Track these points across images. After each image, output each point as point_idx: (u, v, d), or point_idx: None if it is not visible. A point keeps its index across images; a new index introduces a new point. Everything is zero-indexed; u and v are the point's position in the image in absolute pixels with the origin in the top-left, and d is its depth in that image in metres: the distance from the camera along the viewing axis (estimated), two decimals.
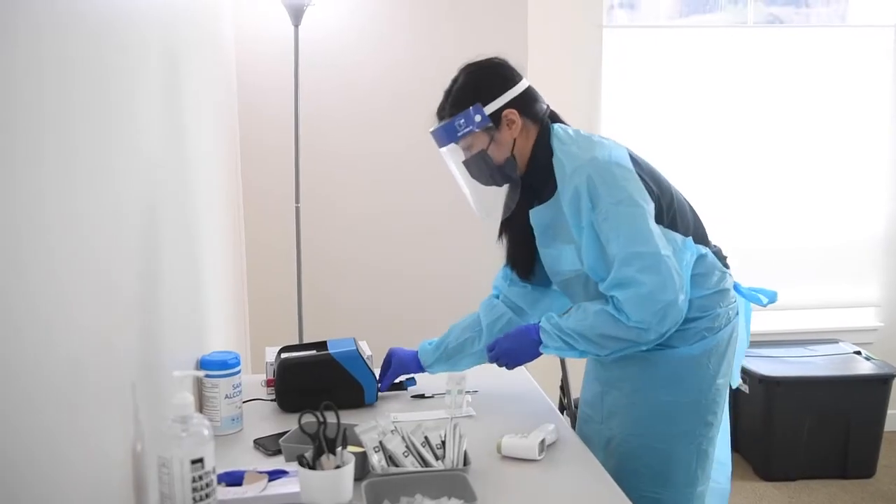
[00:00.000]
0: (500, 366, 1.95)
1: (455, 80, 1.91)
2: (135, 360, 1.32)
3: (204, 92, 2.30)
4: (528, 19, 3.45)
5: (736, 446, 3.84)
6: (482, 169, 1.88)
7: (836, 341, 3.88)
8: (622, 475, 1.73)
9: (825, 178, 3.92)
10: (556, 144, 1.84)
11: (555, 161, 1.82)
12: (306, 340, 3.15)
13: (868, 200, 3.98)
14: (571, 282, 1.90)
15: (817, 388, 3.52)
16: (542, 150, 1.85)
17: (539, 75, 3.51)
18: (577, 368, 2.41)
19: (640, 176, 1.78)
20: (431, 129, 1.91)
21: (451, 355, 2.08)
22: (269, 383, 2.08)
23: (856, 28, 3.90)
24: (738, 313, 1.93)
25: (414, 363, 2.10)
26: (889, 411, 3.60)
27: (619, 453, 1.86)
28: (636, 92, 3.78)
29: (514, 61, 1.91)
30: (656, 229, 1.75)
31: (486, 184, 1.91)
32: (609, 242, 1.74)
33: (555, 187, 1.82)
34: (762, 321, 4.00)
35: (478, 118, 1.82)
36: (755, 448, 3.67)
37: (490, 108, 1.82)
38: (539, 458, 1.69)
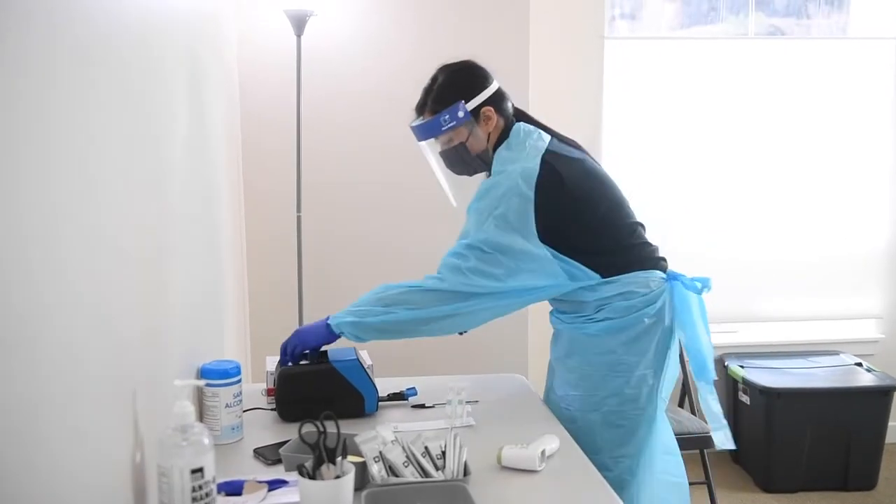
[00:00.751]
0: (288, 356, 2.03)
1: (435, 79, 2.13)
2: (135, 369, 1.32)
3: (208, 101, 2.31)
4: (531, 31, 3.46)
5: (736, 458, 3.84)
6: (460, 160, 2.11)
7: (837, 353, 3.87)
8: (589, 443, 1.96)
9: (827, 189, 3.93)
10: (511, 141, 2.06)
11: (496, 156, 2.06)
12: None
13: (870, 212, 3.98)
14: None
15: (818, 400, 3.52)
16: (499, 142, 2.09)
17: (541, 86, 3.54)
18: None
19: (536, 203, 1.95)
20: (413, 124, 2.12)
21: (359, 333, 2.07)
22: (269, 392, 2.07)
23: (857, 40, 3.91)
24: (657, 310, 2.02)
25: (324, 335, 2.04)
26: (890, 423, 3.59)
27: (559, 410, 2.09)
28: (638, 103, 3.79)
29: (486, 65, 2.15)
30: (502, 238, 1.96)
31: (462, 173, 2.16)
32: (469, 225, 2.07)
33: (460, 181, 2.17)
34: (764, 333, 4.01)
35: (461, 114, 2.05)
36: (756, 459, 3.67)
37: (471, 105, 2.06)
38: (539, 468, 1.69)
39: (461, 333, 2.14)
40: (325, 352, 2.07)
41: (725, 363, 3.81)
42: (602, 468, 1.83)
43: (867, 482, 3.59)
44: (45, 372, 0.91)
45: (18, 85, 0.85)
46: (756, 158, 3.88)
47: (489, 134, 2.07)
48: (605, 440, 2.01)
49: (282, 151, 3.28)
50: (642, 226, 2.11)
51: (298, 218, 3.24)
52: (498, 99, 2.10)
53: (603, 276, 1.98)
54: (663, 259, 2.11)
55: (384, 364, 2.36)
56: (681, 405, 3.34)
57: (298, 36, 3.09)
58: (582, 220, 1.99)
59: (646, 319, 1.99)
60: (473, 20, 3.43)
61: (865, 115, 3.90)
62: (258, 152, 3.36)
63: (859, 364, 3.74)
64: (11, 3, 0.84)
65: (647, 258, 2.06)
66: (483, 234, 1.97)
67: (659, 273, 2.05)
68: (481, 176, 2.15)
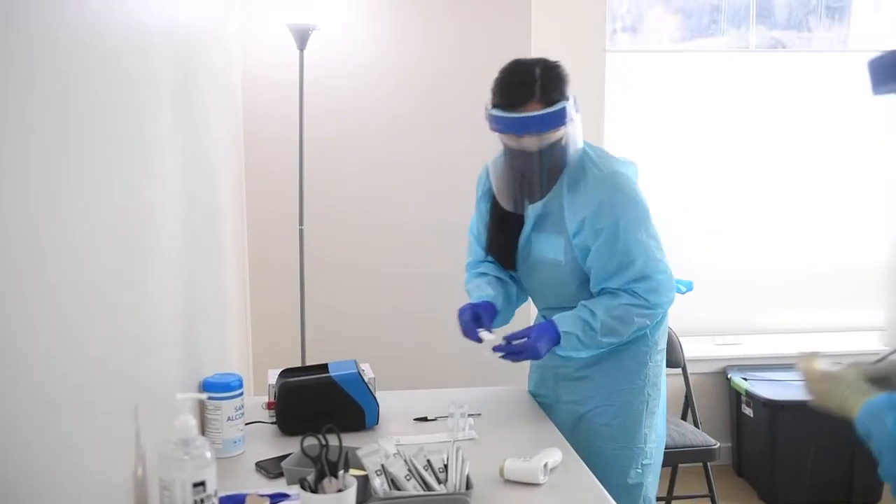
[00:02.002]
0: (508, 357, 2.03)
1: (531, 72, 1.97)
2: (137, 383, 1.32)
3: (211, 114, 2.32)
4: (532, 44, 3.48)
5: (739, 470, 3.83)
6: (551, 158, 1.99)
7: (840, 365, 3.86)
8: (594, 439, 2.05)
9: (829, 201, 3.93)
10: (585, 149, 2.04)
11: (577, 164, 2.01)
12: (309, 363, 3.15)
13: (872, 224, 3.98)
14: (547, 268, 2.09)
15: (822, 412, 3.50)
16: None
17: None
18: None
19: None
20: (532, 113, 1.93)
21: (508, 301, 2.22)
22: (269, 406, 2.07)
23: (857, 53, 3.91)
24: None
25: (487, 308, 2.13)
26: None
27: (592, 418, 2.11)
28: (639, 115, 3.80)
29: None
30: (656, 235, 2.04)
31: (542, 173, 2.02)
32: (627, 248, 1.98)
33: (554, 181, 2.02)
34: (767, 345, 4.00)
35: (576, 108, 1.98)
36: (759, 472, 3.65)
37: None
38: (542, 481, 1.68)
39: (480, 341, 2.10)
40: (326, 365, 2.07)
41: (728, 375, 3.80)
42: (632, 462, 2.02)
43: (872, 495, 3.57)
44: (46, 386, 0.91)
45: (21, 98, 0.86)
46: (758, 170, 3.89)
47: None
48: (626, 432, 2.10)
49: (284, 165, 3.29)
50: None
51: (301, 231, 3.24)
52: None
53: None
54: None
55: (386, 377, 2.35)
56: (683, 418, 3.33)
57: (301, 50, 3.11)
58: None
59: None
60: (475, 34, 3.45)
61: (866, 127, 3.90)
62: (261, 166, 3.37)
63: None
64: (11, 19, 0.85)
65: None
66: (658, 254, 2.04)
67: None
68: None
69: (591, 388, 2.12)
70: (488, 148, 3.40)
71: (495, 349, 2.02)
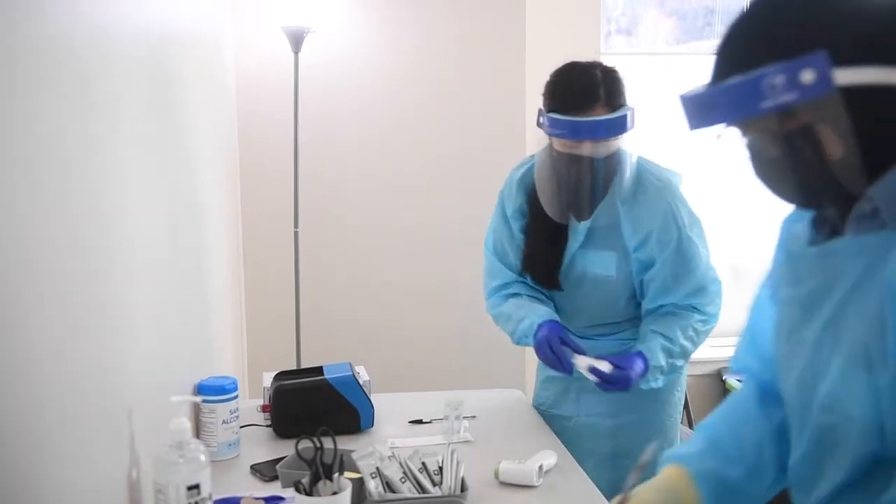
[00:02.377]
0: (603, 386, 1.90)
1: (592, 74, 1.93)
2: (131, 386, 1.32)
3: (204, 117, 2.32)
4: (527, 46, 3.48)
5: None
6: (609, 168, 1.94)
7: None
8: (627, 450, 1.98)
9: None
10: (640, 159, 2.00)
11: (634, 175, 1.97)
12: (304, 365, 3.15)
13: None
14: (595, 285, 2.01)
15: None
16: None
17: (538, 102, 3.54)
18: None
19: None
20: (606, 116, 1.87)
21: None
22: (264, 409, 2.07)
23: None
24: None
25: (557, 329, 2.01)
26: None
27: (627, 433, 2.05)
28: (634, 118, 3.80)
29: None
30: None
31: (600, 183, 1.96)
32: (689, 259, 1.98)
33: (605, 192, 1.95)
34: None
35: (633, 119, 1.93)
36: None
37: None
38: (537, 484, 1.68)
39: None
40: (321, 367, 2.07)
41: (724, 377, 3.80)
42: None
43: None
44: (40, 390, 0.91)
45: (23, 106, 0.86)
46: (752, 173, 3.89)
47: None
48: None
49: (279, 167, 3.29)
50: None
51: (296, 233, 3.24)
52: None
53: None
54: None
55: (381, 380, 2.35)
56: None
57: (296, 53, 3.11)
58: None
59: None
60: (470, 36, 3.45)
61: None
62: (256, 168, 3.37)
63: None
64: (14, 25, 0.85)
65: None
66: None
67: None
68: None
69: (619, 399, 2.00)
70: (483, 149, 3.41)
71: (592, 371, 1.87)
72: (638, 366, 1.91)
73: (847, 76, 0.90)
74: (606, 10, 3.79)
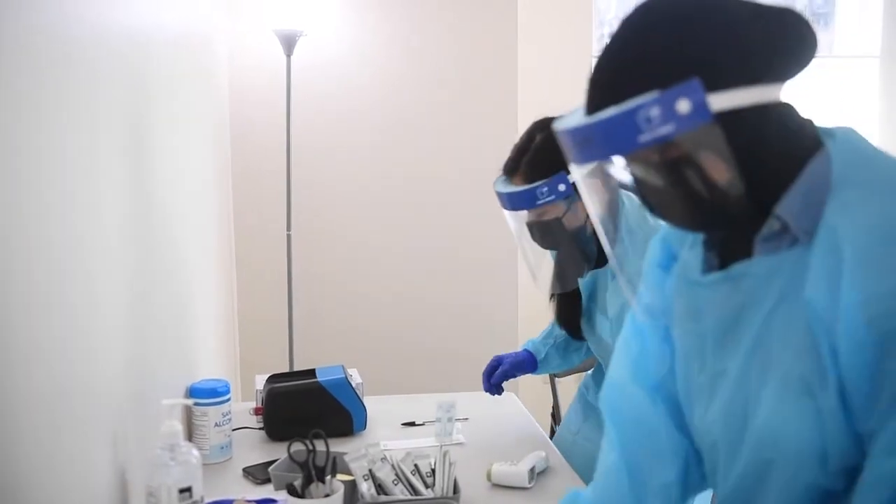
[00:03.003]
0: None
1: (531, 138, 1.79)
2: (122, 388, 1.32)
3: (196, 119, 2.32)
4: (519, 49, 3.49)
5: None
6: (550, 234, 1.79)
7: None
8: None
9: None
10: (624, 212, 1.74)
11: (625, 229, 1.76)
12: (297, 368, 3.14)
13: None
14: (602, 346, 1.93)
15: None
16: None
17: (530, 106, 3.55)
18: (567, 397, 2.41)
19: None
20: (503, 189, 1.77)
21: (562, 347, 2.10)
22: (257, 411, 2.07)
23: (842, 59, 3.95)
24: None
25: (527, 361, 2.08)
26: None
27: None
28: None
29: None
30: None
31: (549, 247, 1.85)
32: None
33: (590, 261, 1.82)
34: None
35: (562, 188, 1.70)
36: None
37: (574, 177, 1.71)
38: (529, 485, 1.68)
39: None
40: (313, 370, 2.07)
41: None
42: None
43: None
44: (31, 394, 0.91)
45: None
46: None
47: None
48: None
49: (272, 170, 3.29)
50: None
51: (288, 236, 3.24)
52: None
53: None
54: None
55: (374, 382, 2.35)
56: None
57: (288, 56, 3.11)
58: None
59: None
60: (463, 40, 3.46)
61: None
62: (248, 171, 3.37)
63: None
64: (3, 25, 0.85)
65: None
66: None
67: None
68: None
69: None
70: (476, 152, 3.42)
71: None
72: None
73: (724, 101, 0.88)
74: (599, 13, 3.80)
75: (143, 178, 1.54)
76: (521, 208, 1.76)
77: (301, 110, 3.28)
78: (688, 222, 1.01)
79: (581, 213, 1.77)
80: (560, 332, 2.10)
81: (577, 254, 1.82)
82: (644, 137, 0.89)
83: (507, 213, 1.82)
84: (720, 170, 0.92)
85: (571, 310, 1.98)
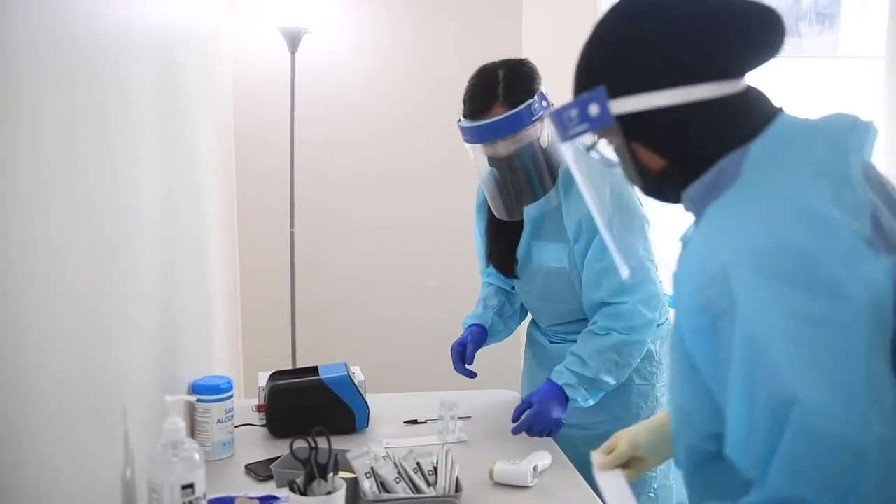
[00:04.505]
0: (532, 435, 1.93)
1: (494, 75, 1.91)
2: (126, 385, 1.32)
3: (201, 117, 2.32)
4: (523, 47, 3.48)
5: None
6: (526, 162, 1.91)
7: None
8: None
9: None
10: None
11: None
12: (300, 365, 3.14)
13: None
14: (551, 278, 2.02)
15: None
16: (555, 149, 1.94)
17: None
18: None
19: None
20: (488, 120, 1.86)
21: (499, 312, 2.20)
22: (259, 408, 2.07)
23: (847, 59, 3.94)
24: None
25: (481, 334, 2.16)
26: None
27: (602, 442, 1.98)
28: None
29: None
30: (649, 243, 1.98)
31: (522, 179, 1.94)
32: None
33: (550, 184, 1.94)
34: None
35: (545, 104, 1.89)
36: None
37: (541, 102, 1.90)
38: (531, 484, 1.68)
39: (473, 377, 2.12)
40: (316, 367, 2.07)
41: None
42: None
43: None
44: (34, 389, 0.91)
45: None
46: None
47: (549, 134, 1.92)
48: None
49: (275, 168, 3.29)
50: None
51: (292, 234, 3.24)
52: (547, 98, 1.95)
53: None
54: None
55: (376, 380, 2.35)
56: None
57: (293, 53, 3.11)
58: None
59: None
60: (466, 38, 3.45)
61: None
62: (252, 168, 3.37)
63: None
64: (26, 28, 0.85)
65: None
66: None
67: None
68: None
69: (602, 411, 2.01)
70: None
71: (514, 432, 1.94)
72: (551, 394, 1.90)
73: (623, 105, 1.05)
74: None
75: (147, 176, 1.54)
76: (514, 131, 1.86)
77: (305, 108, 3.28)
78: (657, 197, 1.16)
79: (546, 137, 1.91)
80: (494, 302, 2.20)
81: (541, 179, 1.94)
82: (570, 132, 1.10)
83: (475, 152, 1.94)
84: (651, 158, 1.08)
85: (507, 246, 2.07)
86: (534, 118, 1.86)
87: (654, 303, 1.96)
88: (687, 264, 1.03)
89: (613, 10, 1.09)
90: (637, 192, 1.62)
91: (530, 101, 1.86)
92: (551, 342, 2.15)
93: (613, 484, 1.30)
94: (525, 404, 1.95)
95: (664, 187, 1.11)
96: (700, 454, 1.07)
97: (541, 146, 1.91)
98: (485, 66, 1.95)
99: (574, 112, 1.08)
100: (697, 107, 1.03)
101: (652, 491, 2.03)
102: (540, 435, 1.92)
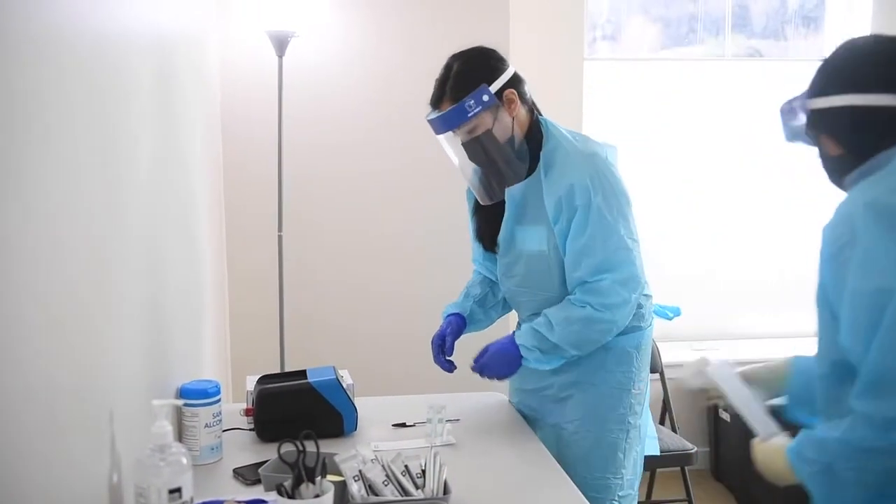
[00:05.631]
0: (484, 376, 2.04)
1: (449, 68, 2.00)
2: (113, 389, 1.32)
3: (189, 119, 2.31)
4: (511, 51, 3.49)
5: (717, 475, 3.85)
6: (486, 150, 1.96)
7: None
8: (572, 462, 1.95)
9: (802, 208, 3.97)
10: (553, 132, 1.99)
11: (553, 147, 1.97)
12: (288, 369, 3.14)
13: None
14: (532, 262, 2.03)
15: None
16: (536, 133, 1.99)
17: None
18: None
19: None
20: (432, 116, 1.97)
21: (480, 301, 2.24)
22: (247, 412, 2.06)
23: None
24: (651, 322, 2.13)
25: (460, 323, 2.20)
26: None
27: (571, 443, 2.03)
28: (617, 123, 3.83)
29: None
30: (632, 224, 1.98)
31: (488, 166, 2.00)
32: (596, 231, 1.91)
33: (533, 167, 1.98)
34: (742, 350, 4.03)
35: (485, 98, 1.92)
36: (737, 476, 3.68)
37: (494, 88, 1.94)
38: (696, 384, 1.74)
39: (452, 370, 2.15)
40: (304, 371, 2.07)
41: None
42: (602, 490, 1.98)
43: None
44: (21, 393, 0.91)
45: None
46: (736, 177, 3.93)
47: (514, 119, 1.97)
48: (604, 461, 2.03)
49: (263, 171, 3.29)
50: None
51: (280, 237, 3.24)
52: (517, 82, 2.01)
53: None
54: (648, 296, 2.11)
55: (365, 383, 2.35)
56: (661, 423, 3.35)
57: (280, 57, 3.11)
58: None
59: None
60: (454, 42, 3.44)
61: None
62: (240, 172, 3.36)
63: None
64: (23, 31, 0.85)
65: (644, 314, 2.08)
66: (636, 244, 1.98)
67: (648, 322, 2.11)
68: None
69: (574, 409, 2.04)
70: None
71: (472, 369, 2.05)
72: (505, 348, 2.00)
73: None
74: (591, 17, 3.81)
75: (135, 179, 1.54)
76: (457, 125, 1.94)
77: (293, 111, 3.28)
78: None
79: (508, 123, 1.96)
80: (477, 291, 2.24)
81: (509, 164, 1.98)
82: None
83: (445, 142, 2.02)
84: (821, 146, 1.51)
85: (493, 224, 2.10)
86: (469, 114, 1.91)
87: (633, 284, 1.95)
88: (831, 218, 1.34)
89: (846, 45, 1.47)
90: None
91: (469, 95, 1.91)
92: None
93: (730, 380, 1.63)
94: (482, 351, 2.05)
95: (835, 171, 1.45)
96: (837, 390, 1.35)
97: (509, 132, 1.95)
98: (451, 56, 2.04)
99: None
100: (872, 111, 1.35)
101: (616, 499, 2.04)
102: (491, 379, 2.05)
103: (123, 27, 1.49)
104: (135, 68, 1.58)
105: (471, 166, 2.03)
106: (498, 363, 2.02)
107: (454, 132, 1.97)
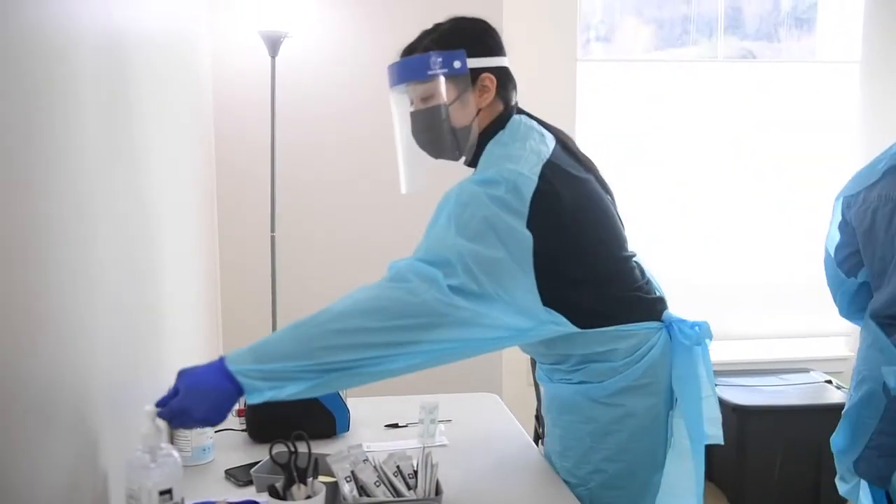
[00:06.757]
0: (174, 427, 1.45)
1: (440, 24, 1.75)
2: (104, 390, 1.32)
3: (179, 120, 2.31)
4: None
5: (709, 475, 3.85)
6: (433, 126, 1.69)
7: (807, 370, 3.92)
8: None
9: (795, 209, 3.99)
10: (499, 135, 1.68)
11: (486, 150, 1.67)
12: None
13: None
14: None
15: (790, 417, 3.55)
16: (490, 132, 1.69)
17: None
18: None
19: (529, 217, 1.54)
20: (393, 63, 1.73)
21: None
22: (239, 413, 2.06)
23: (824, 64, 3.98)
24: (645, 370, 1.70)
25: None
26: None
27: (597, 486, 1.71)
28: (610, 124, 3.83)
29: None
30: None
31: (427, 144, 1.75)
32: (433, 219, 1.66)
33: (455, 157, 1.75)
34: (735, 351, 4.05)
35: (457, 64, 1.65)
36: (728, 477, 3.69)
37: (473, 63, 1.67)
38: None
39: None
40: None
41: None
42: None
43: (838, 499, 3.62)
44: (11, 392, 0.91)
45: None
46: (726, 179, 3.93)
47: (479, 111, 1.68)
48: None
49: (256, 172, 3.29)
50: (640, 268, 1.78)
51: (273, 238, 3.23)
52: (504, 76, 1.73)
53: (580, 327, 1.61)
54: (660, 300, 1.79)
55: None
56: None
57: (273, 57, 3.11)
58: (569, 256, 1.60)
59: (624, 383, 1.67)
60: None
61: (832, 136, 3.96)
62: (233, 172, 3.36)
63: (829, 381, 3.78)
64: None
65: (637, 305, 1.70)
66: (469, 245, 1.51)
67: (650, 324, 1.72)
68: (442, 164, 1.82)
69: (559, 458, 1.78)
70: None
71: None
72: (200, 380, 1.38)
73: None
74: (585, 18, 3.82)
75: (126, 179, 1.54)
76: (410, 79, 1.70)
77: (286, 112, 3.28)
78: None
79: (470, 111, 1.68)
80: None
81: (446, 154, 1.75)
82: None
83: (393, 104, 1.79)
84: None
85: None
86: (429, 72, 1.64)
87: (455, 261, 1.54)
88: None
89: None
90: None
91: (439, 52, 1.66)
92: None
93: None
94: (172, 391, 1.37)
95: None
96: None
97: (468, 121, 1.68)
98: (453, 17, 1.80)
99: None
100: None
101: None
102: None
103: (112, 27, 1.48)
104: (124, 69, 1.58)
105: (405, 144, 1.79)
106: (189, 408, 1.36)
107: (408, 94, 1.73)
